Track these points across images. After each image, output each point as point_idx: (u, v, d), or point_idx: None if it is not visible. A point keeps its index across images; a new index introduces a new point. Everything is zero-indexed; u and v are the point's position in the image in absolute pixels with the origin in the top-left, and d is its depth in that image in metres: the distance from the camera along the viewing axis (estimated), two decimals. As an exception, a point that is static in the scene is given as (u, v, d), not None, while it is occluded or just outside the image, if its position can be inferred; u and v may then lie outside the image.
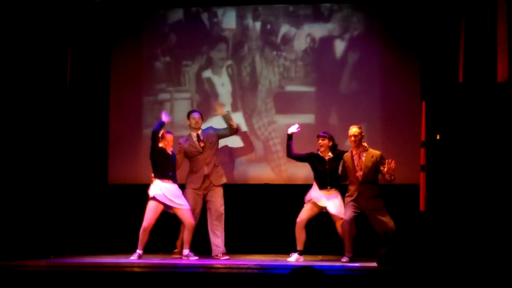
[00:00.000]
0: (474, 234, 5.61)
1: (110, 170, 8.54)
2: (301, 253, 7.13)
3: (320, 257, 7.45)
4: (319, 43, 8.42)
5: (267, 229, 8.11)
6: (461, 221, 5.70)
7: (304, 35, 8.43)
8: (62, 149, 7.87)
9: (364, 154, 6.98)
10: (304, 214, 7.17)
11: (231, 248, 7.65)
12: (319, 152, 7.26)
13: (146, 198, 8.33)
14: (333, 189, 7.19)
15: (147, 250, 7.27)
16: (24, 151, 7.34)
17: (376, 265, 6.31)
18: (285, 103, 8.40)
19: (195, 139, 7.54)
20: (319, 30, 8.43)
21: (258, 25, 8.54)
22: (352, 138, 6.99)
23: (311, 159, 7.29)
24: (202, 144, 7.51)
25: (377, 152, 7.02)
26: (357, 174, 6.97)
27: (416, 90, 7.98)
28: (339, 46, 8.38)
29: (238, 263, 6.64)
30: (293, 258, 7.07)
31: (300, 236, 7.13)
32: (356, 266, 6.30)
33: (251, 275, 5.84)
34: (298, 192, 7.96)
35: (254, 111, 8.42)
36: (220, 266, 6.38)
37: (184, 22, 8.69)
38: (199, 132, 7.59)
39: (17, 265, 6.19)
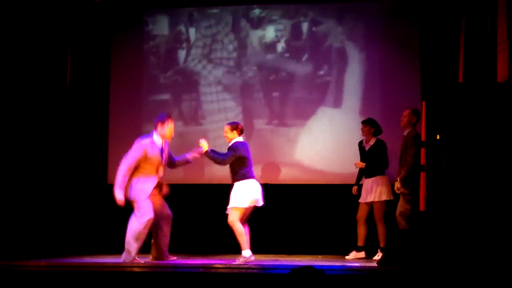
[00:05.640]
0: (474, 234, 5.60)
1: (110, 170, 8.52)
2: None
3: (320, 257, 7.45)
4: (319, 43, 8.43)
5: (267, 229, 8.10)
6: (461, 221, 5.69)
7: (305, 34, 8.45)
8: (61, 149, 7.88)
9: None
10: None
11: (232, 248, 7.63)
12: None
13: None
14: None
15: (147, 250, 7.24)
16: (24, 151, 7.34)
17: (376, 265, 6.31)
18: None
19: (159, 148, 6.67)
20: (319, 29, 8.43)
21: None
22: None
23: None
24: (165, 155, 6.75)
25: None
26: None
27: (416, 90, 7.98)
28: (339, 46, 8.38)
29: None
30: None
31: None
32: (356, 266, 6.29)
33: (251, 275, 5.83)
34: (298, 192, 7.96)
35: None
36: (220, 266, 6.37)
37: (185, 22, 8.70)
38: (163, 142, 6.72)
39: (17, 265, 6.19)
